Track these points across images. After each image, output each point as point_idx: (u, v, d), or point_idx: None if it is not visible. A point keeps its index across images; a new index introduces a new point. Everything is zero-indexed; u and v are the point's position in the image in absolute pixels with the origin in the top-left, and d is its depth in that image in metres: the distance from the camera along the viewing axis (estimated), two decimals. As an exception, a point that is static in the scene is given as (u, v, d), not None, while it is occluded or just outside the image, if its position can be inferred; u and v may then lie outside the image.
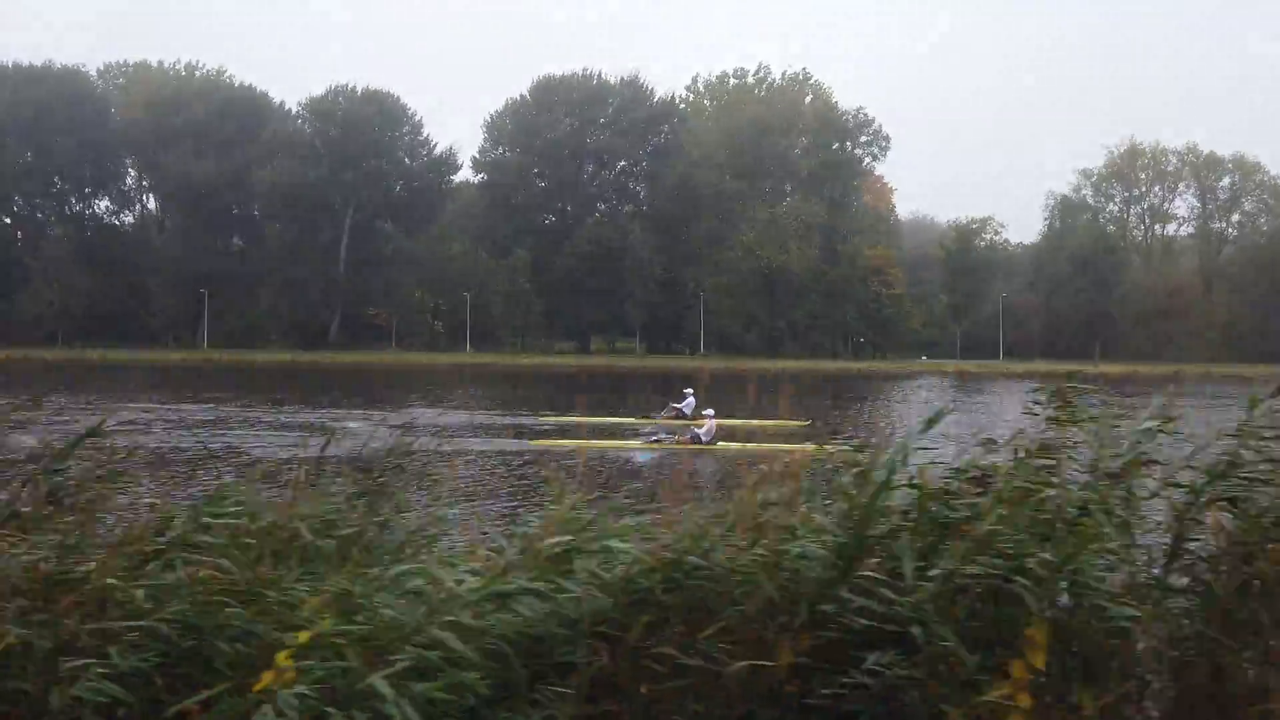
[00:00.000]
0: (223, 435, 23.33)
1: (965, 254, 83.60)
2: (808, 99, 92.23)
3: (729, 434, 21.42)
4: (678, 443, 21.37)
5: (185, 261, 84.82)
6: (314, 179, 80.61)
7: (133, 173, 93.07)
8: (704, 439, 21.35)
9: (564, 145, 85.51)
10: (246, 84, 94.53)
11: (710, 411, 22.79)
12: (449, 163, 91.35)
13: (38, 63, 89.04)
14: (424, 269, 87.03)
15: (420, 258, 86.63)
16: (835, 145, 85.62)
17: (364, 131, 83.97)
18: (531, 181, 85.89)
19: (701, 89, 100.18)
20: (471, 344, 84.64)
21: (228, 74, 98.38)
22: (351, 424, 22.37)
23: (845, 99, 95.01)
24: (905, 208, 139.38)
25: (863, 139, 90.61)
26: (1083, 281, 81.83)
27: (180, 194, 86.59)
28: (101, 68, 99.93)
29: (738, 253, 77.75)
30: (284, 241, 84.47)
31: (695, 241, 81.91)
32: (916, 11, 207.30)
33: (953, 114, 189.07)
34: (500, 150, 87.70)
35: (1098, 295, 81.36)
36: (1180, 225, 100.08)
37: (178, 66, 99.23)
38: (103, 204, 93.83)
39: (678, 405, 26.63)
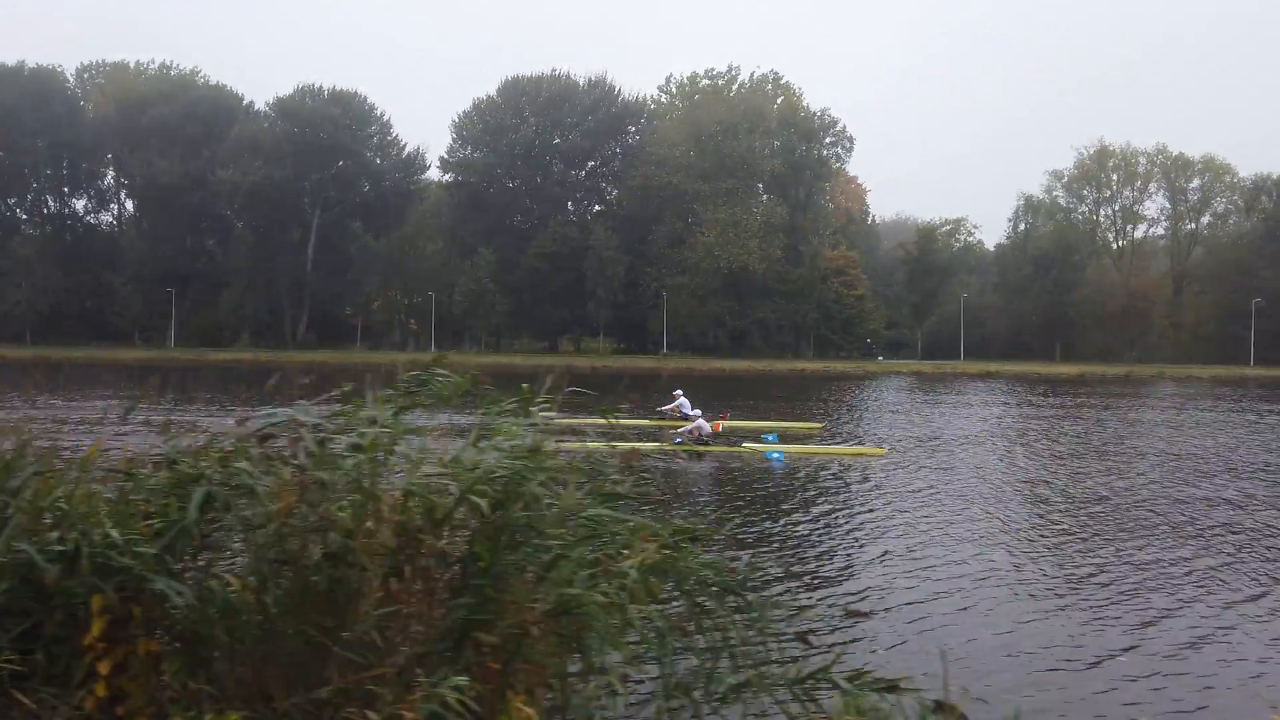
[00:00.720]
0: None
1: (926, 255, 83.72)
2: (779, 100, 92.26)
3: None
4: (701, 443, 20.56)
5: (153, 261, 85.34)
6: (278, 179, 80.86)
7: (102, 172, 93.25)
8: (708, 437, 20.85)
9: (530, 145, 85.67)
10: (219, 84, 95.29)
11: (697, 411, 22.65)
12: (417, 163, 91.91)
13: (10, 62, 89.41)
14: (392, 269, 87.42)
15: (388, 257, 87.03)
16: (800, 146, 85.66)
17: (330, 132, 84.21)
18: (498, 181, 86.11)
19: (674, 90, 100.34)
20: (439, 344, 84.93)
21: (201, 74, 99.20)
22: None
23: (836, 101, 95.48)
24: (895, 208, 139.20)
25: (828, 140, 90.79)
26: (1044, 282, 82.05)
27: (147, 193, 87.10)
28: (79, 67, 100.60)
29: (698, 253, 77.93)
30: (251, 241, 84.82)
31: (659, 242, 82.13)
32: (914, 17, 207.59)
33: (950, 115, 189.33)
34: (468, 150, 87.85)
35: (1056, 296, 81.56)
36: (1150, 227, 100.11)
37: (152, 66, 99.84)
38: (73, 203, 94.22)
39: (671, 406, 25.78)
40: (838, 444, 22.17)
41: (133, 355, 72.96)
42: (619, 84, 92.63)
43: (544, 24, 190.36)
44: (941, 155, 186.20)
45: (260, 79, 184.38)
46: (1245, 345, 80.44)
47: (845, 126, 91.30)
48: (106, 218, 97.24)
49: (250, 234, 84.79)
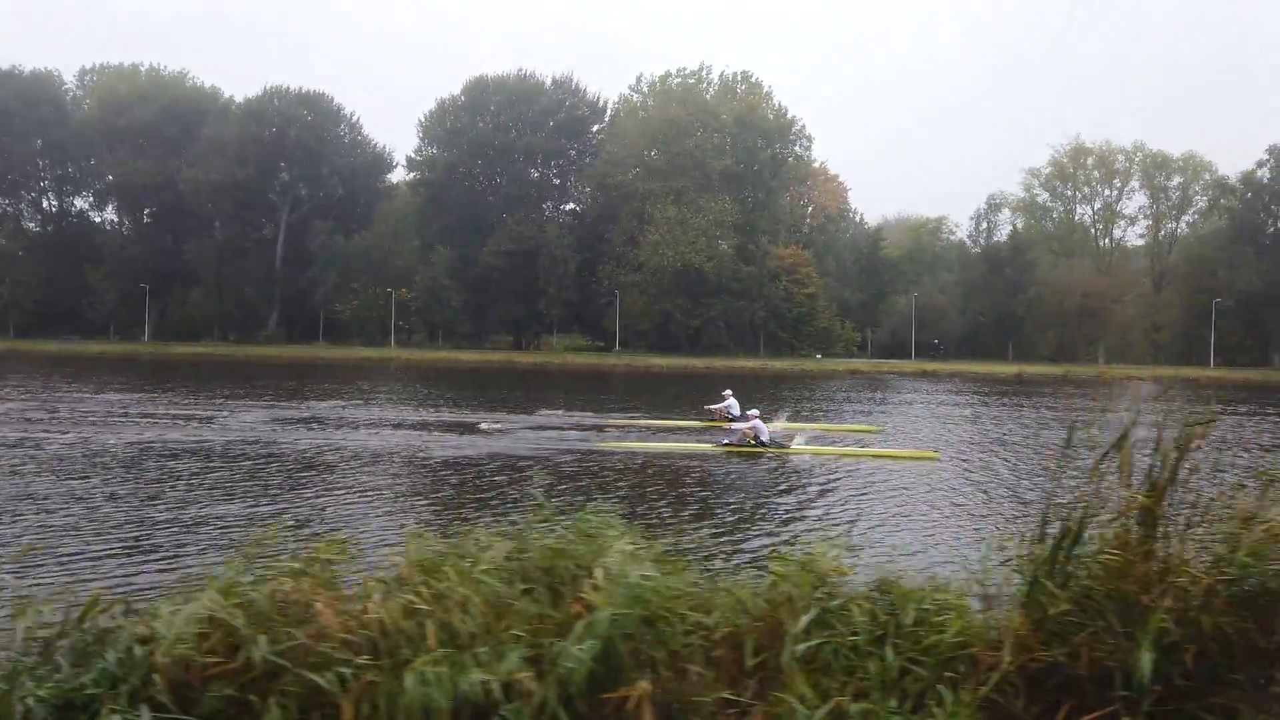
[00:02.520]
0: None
1: (874, 254, 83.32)
2: (745, 99, 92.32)
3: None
4: (749, 445, 20.04)
5: (129, 258, 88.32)
6: (240, 178, 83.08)
7: (85, 172, 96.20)
8: (764, 440, 20.18)
9: (491, 144, 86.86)
10: (200, 85, 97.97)
11: (753, 411, 21.75)
12: (384, 162, 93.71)
13: (5, 66, 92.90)
14: (361, 266, 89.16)
15: (361, 255, 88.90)
16: (757, 145, 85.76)
17: (296, 132, 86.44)
18: (460, 180, 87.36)
19: (645, 89, 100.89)
20: (398, 340, 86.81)
21: (189, 76, 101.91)
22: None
23: (835, 102, 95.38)
24: (892, 208, 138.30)
25: (790, 138, 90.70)
26: (996, 281, 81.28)
27: (124, 193, 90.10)
28: (81, 70, 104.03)
29: (646, 251, 78.54)
30: (221, 239, 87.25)
31: (615, 240, 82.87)
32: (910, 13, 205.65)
33: (946, 116, 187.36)
34: (432, 150, 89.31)
35: (1008, 295, 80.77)
36: (1129, 225, 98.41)
37: (142, 69, 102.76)
38: (56, 203, 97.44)
39: (718, 406, 25.88)
40: (888, 447, 21.62)
41: (93, 350, 75.63)
42: (584, 84, 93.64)
43: (547, 26, 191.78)
44: (956, 155, 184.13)
45: (267, 78, 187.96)
46: (1210, 346, 79.03)
47: (805, 125, 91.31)
48: (81, 216, 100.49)
49: (221, 232, 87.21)
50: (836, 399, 39.76)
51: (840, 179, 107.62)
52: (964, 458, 20.23)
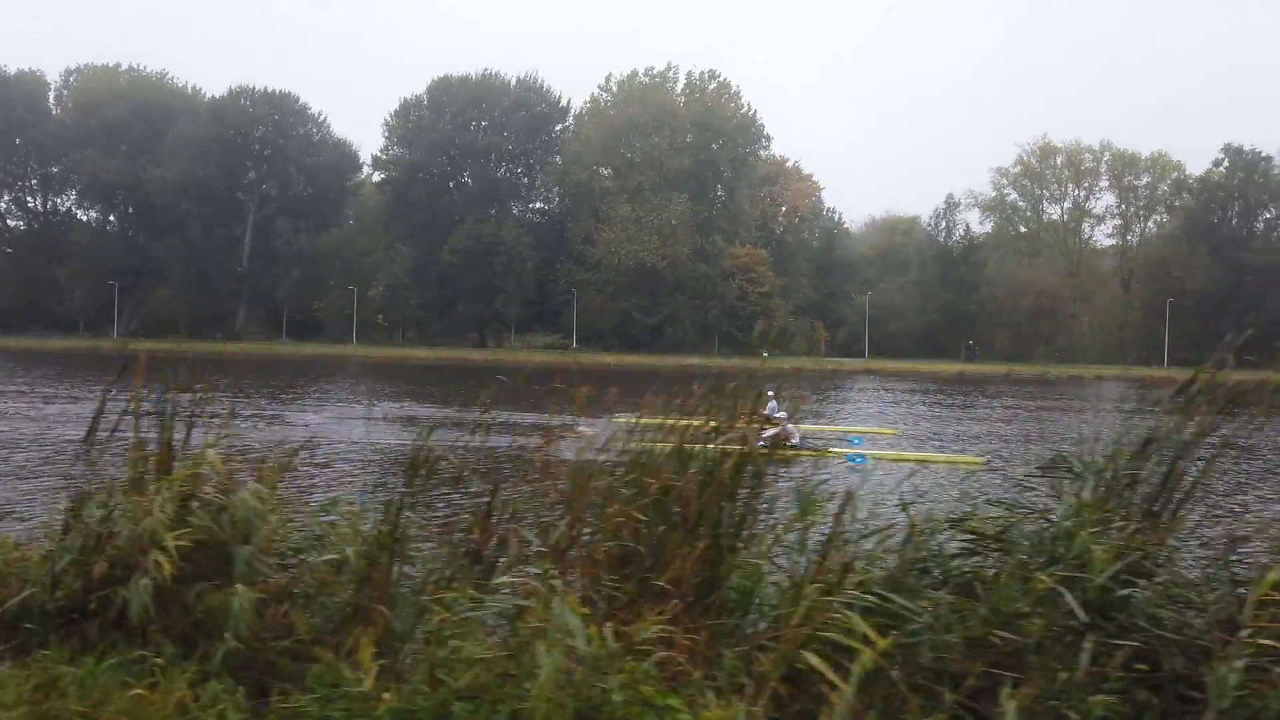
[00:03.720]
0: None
1: (829, 253, 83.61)
2: (702, 100, 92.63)
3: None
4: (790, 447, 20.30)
5: (99, 256, 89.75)
6: (204, 176, 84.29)
7: (55, 170, 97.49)
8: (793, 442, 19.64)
9: (454, 143, 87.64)
10: (175, 85, 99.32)
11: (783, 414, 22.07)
12: (352, 161, 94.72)
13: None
14: (327, 265, 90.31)
15: (323, 254, 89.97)
16: (720, 144, 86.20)
17: (262, 132, 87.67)
18: (423, 179, 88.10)
19: (614, 88, 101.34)
20: (360, 337, 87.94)
21: (168, 76, 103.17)
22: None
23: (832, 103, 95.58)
24: (881, 208, 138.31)
25: (754, 137, 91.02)
26: (949, 281, 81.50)
27: (95, 191, 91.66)
28: (65, 70, 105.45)
29: (601, 250, 79.18)
30: (188, 237, 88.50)
31: (574, 239, 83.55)
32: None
33: (938, 117, 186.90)
34: (397, 149, 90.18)
35: (960, 295, 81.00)
36: (1095, 225, 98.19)
37: (123, 69, 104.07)
38: (36, 201, 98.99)
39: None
40: (931, 451, 21.23)
41: (56, 346, 77.09)
42: (549, 83, 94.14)
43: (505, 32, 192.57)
44: (946, 154, 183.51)
45: (251, 76, 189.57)
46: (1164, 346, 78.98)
47: (766, 125, 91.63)
48: (79, 215, 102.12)
49: (188, 230, 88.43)
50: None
51: (813, 178, 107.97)
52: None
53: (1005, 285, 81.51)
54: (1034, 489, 4.45)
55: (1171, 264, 78.55)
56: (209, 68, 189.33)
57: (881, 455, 19.31)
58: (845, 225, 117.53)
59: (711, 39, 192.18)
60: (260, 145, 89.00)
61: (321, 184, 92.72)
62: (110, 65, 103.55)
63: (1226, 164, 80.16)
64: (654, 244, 78.26)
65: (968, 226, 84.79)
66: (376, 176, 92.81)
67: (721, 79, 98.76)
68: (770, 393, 25.92)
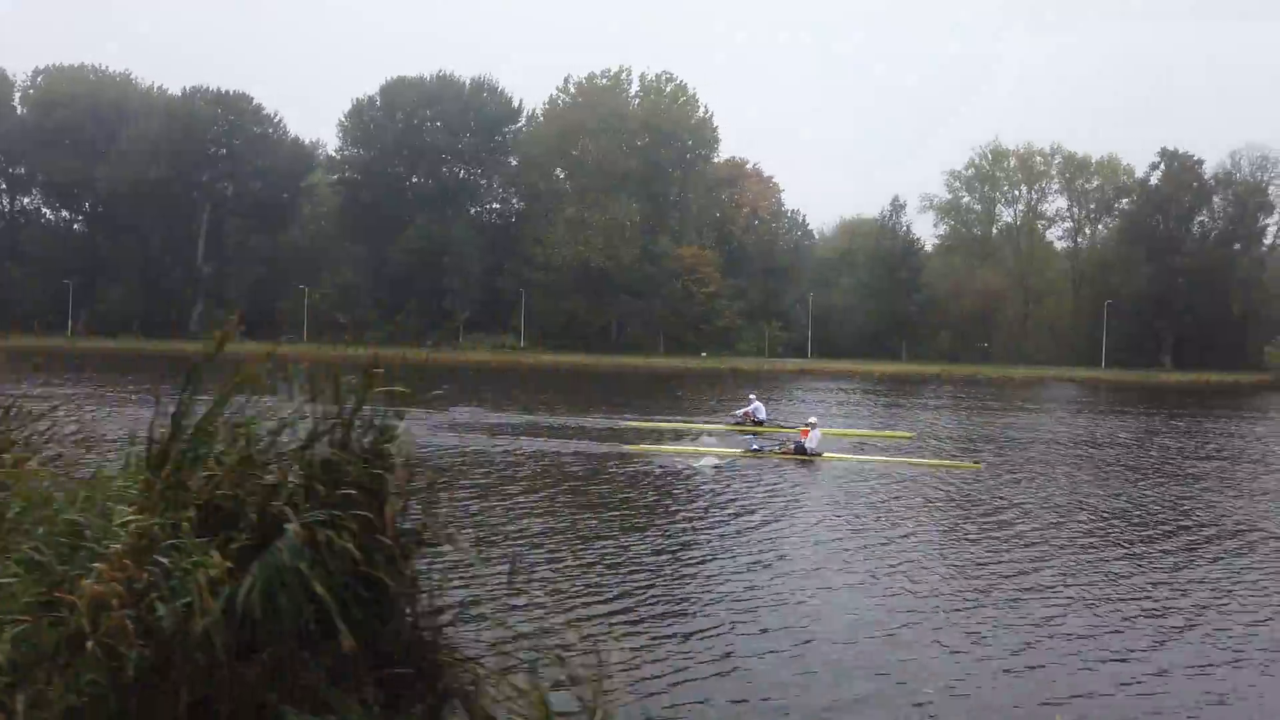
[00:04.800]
0: None
1: (784, 255, 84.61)
2: (654, 102, 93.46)
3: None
4: (781, 451, 20.45)
5: (54, 254, 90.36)
6: (156, 177, 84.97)
7: (19, 171, 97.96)
8: (809, 448, 20.29)
9: (408, 144, 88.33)
10: (141, 85, 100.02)
11: (814, 419, 21.83)
12: (308, 161, 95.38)
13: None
14: (279, 265, 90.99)
15: (277, 253, 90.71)
16: (670, 146, 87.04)
17: (215, 132, 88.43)
18: (376, 180, 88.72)
19: (572, 89, 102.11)
20: (311, 337, 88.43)
21: (131, 76, 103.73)
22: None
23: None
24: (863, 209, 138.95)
25: (704, 139, 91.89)
26: (889, 283, 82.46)
27: (51, 190, 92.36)
28: (34, 70, 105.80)
29: (548, 250, 79.97)
30: (142, 237, 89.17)
31: (523, 240, 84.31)
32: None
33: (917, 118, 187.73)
34: (351, 150, 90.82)
35: (899, 296, 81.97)
36: (1047, 227, 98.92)
37: (88, 69, 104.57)
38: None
39: (745, 410, 25.97)
40: (928, 457, 21.44)
41: (15, 344, 77.40)
42: (504, 85, 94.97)
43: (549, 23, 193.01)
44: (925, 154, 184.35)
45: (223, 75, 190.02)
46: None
47: (718, 127, 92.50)
48: (40, 214, 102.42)
49: (142, 230, 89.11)
50: (672, 397, 40.76)
51: (774, 180, 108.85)
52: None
53: (946, 287, 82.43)
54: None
55: (1110, 267, 79.57)
56: (176, 69, 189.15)
57: (884, 460, 20.23)
58: (810, 227, 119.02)
59: (707, 42, 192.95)
60: (215, 146, 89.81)
61: (276, 184, 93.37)
62: (77, 65, 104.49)
63: (1163, 168, 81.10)
64: (598, 245, 79.05)
65: (908, 228, 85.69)
66: (331, 177, 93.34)
67: (678, 82, 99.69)
68: (752, 395, 27.00)
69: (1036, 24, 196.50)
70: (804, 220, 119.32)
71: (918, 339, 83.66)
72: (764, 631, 8.41)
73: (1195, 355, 76.65)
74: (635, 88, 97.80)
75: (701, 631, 8.34)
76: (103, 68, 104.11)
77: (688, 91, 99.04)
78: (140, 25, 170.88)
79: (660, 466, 18.40)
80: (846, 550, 11.84)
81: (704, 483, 16.84)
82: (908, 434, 26.22)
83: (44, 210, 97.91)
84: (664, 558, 11.09)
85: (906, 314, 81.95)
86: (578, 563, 10.55)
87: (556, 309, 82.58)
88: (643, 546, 11.52)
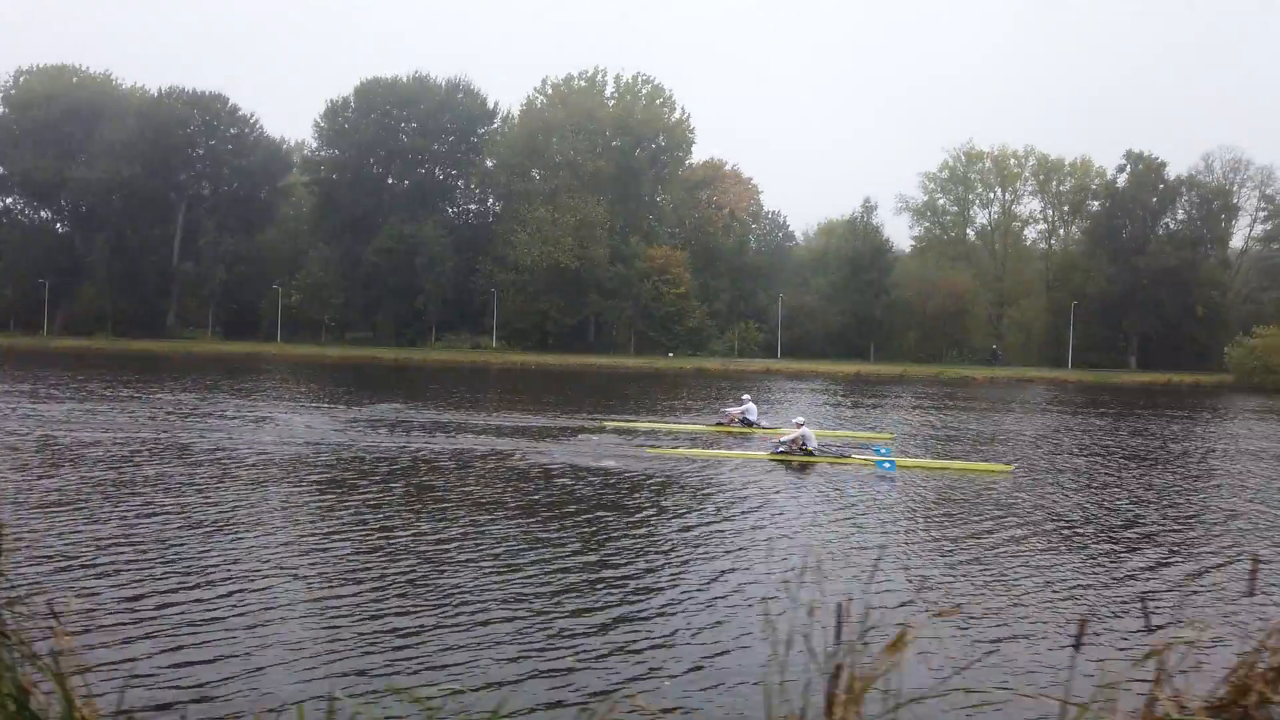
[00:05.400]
0: None
1: (741, 254, 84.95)
2: (627, 103, 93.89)
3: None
4: (787, 453, 20.02)
5: (30, 253, 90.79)
6: (129, 176, 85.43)
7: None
8: (813, 448, 20.07)
9: (383, 144, 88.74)
10: (122, 85, 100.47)
11: (800, 419, 21.65)
12: (282, 162, 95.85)
13: None
14: (255, 264, 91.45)
15: (252, 253, 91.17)
16: (642, 147, 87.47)
17: (190, 132, 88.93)
18: (350, 180, 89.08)
19: (550, 90, 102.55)
20: (285, 336, 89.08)
21: (111, 76, 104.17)
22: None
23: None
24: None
25: (678, 140, 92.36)
26: (857, 284, 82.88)
27: (27, 189, 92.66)
28: (17, 70, 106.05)
29: (518, 250, 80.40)
30: (118, 236, 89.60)
31: (495, 240, 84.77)
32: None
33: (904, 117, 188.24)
34: (326, 150, 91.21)
35: (867, 297, 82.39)
36: (1021, 228, 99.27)
37: (70, 68, 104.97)
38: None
39: (736, 410, 26.04)
40: (957, 459, 20.93)
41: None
42: (479, 86, 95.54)
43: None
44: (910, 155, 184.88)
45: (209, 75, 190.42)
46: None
47: (695, 129, 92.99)
48: (23, 213, 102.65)
49: (117, 229, 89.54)
50: (634, 397, 41.13)
51: (753, 181, 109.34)
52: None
53: (914, 288, 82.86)
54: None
55: (1076, 268, 79.99)
56: (158, 70, 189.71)
57: (908, 463, 19.43)
58: (791, 228, 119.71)
59: (699, 46, 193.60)
60: (190, 147, 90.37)
61: (253, 184, 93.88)
62: (57, 66, 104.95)
63: (1128, 170, 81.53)
64: (567, 245, 79.47)
65: (878, 229, 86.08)
66: (305, 178, 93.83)
67: (655, 83, 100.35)
68: (746, 396, 27.13)
69: (1028, 24, 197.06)
70: (785, 221, 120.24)
71: (886, 340, 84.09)
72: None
73: (1161, 356, 77.16)
74: (611, 89, 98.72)
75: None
76: (83, 68, 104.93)
77: (664, 93, 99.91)
78: (121, 26, 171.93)
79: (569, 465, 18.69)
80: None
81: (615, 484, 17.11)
82: (888, 435, 26.05)
83: (24, 210, 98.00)
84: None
85: (873, 315, 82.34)
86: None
87: (529, 309, 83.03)
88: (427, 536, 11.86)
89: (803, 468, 19.08)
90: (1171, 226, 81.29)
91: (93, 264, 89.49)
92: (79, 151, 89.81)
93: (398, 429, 24.03)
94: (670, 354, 78.50)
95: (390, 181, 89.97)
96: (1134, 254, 77.63)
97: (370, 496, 14.47)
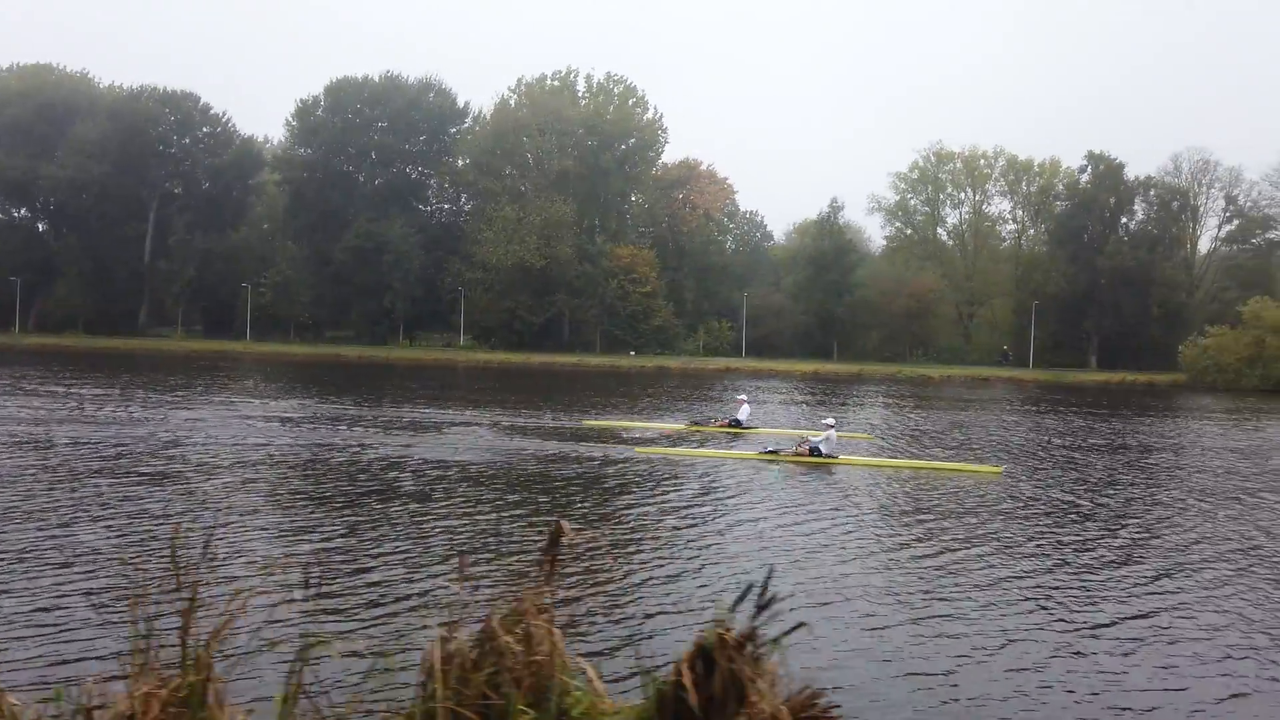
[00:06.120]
0: None
1: (705, 254, 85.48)
2: (596, 103, 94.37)
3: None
4: (795, 455, 20.08)
5: (3, 251, 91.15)
6: (99, 174, 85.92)
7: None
8: (824, 450, 20.02)
9: (353, 143, 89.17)
10: (100, 85, 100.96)
11: (830, 420, 21.88)
12: (255, 160, 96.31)
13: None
14: (228, 263, 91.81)
15: (225, 251, 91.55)
16: (610, 147, 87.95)
17: (161, 131, 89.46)
18: (320, 179, 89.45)
19: (523, 90, 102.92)
20: (255, 334, 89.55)
21: (90, 76, 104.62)
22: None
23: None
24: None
25: (648, 140, 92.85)
26: (820, 283, 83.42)
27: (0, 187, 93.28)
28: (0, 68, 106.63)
29: (484, 249, 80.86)
30: (90, 234, 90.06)
31: (467, 238, 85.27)
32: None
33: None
34: (297, 149, 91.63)
35: (831, 297, 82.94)
36: (991, 228, 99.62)
37: (46, 68, 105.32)
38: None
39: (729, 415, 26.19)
40: (946, 460, 21.10)
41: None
42: (451, 85, 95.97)
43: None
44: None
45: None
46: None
47: (668, 129, 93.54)
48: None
49: (89, 228, 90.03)
50: (587, 397, 41.59)
51: (728, 181, 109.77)
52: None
53: (878, 287, 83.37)
54: None
55: (1038, 268, 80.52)
56: (136, 69, 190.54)
57: (901, 464, 19.95)
58: (769, 228, 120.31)
59: (686, 46, 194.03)
60: (162, 145, 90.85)
61: (225, 183, 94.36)
62: (33, 65, 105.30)
63: (1089, 171, 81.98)
64: (532, 244, 79.92)
65: (843, 229, 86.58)
66: (275, 176, 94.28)
67: (628, 83, 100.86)
68: (742, 397, 27.38)
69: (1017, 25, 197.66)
70: (762, 221, 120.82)
71: (849, 339, 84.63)
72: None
73: (1123, 356, 77.60)
74: (583, 89, 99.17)
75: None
76: (62, 67, 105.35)
77: (637, 93, 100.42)
78: (97, 25, 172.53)
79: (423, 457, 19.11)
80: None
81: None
82: (865, 434, 26.30)
83: (15, 210, 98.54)
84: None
85: (835, 314, 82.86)
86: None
87: (496, 308, 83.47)
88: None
89: (811, 469, 19.16)
90: (1132, 227, 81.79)
91: (66, 262, 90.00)
92: (54, 150, 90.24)
93: (275, 424, 24.47)
94: (633, 352, 78.98)
95: (361, 180, 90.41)
96: (1094, 254, 78.15)
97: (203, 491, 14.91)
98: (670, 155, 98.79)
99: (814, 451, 19.92)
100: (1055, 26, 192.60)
